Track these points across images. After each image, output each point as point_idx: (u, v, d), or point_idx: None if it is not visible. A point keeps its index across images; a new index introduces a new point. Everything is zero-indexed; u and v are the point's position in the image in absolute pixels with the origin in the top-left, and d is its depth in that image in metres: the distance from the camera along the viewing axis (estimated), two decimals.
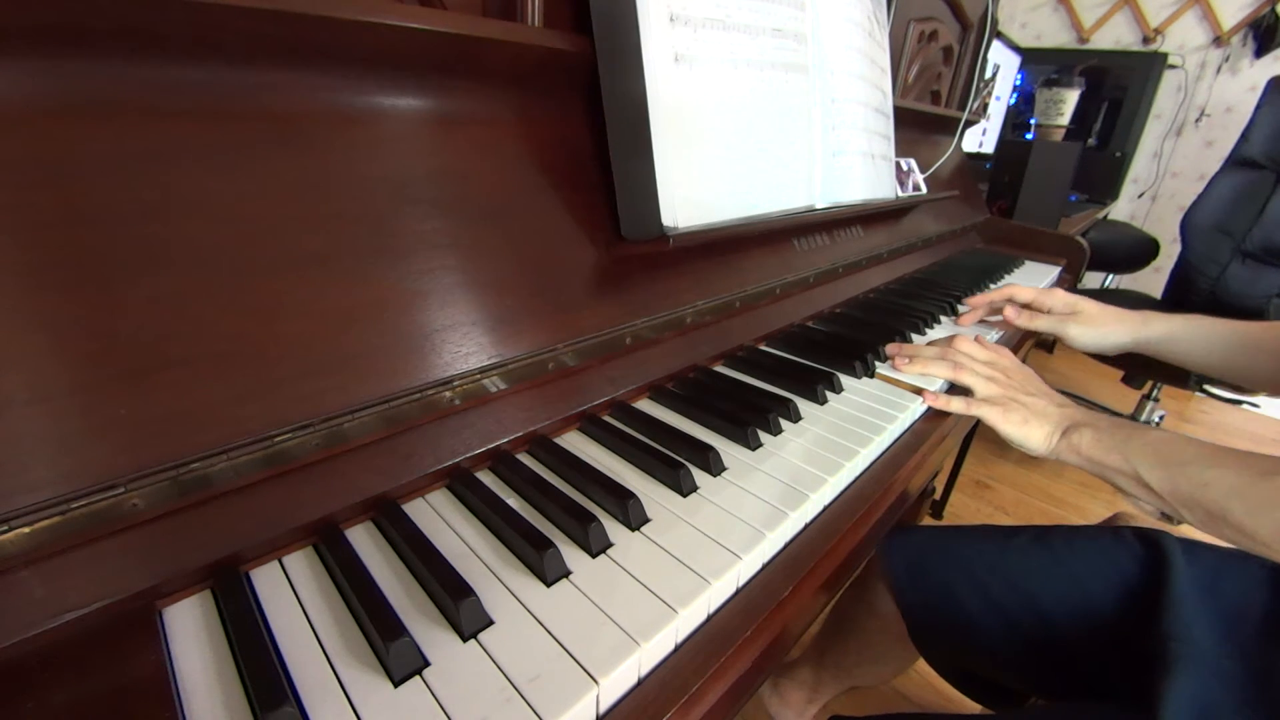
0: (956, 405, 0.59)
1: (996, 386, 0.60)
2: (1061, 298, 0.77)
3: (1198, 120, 2.58)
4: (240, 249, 0.34)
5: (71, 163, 0.30)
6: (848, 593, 0.80)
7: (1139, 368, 1.69)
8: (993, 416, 0.58)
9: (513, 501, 0.40)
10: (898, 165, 0.94)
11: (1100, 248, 1.88)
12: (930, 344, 0.67)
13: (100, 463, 0.29)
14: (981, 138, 2.01)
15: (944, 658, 0.71)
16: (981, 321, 0.84)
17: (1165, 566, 0.54)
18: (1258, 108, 1.66)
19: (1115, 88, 2.51)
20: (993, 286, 1.03)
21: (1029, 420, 0.57)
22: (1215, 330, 0.68)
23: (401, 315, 0.40)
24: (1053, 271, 1.20)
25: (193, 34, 0.33)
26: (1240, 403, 2.33)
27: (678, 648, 0.32)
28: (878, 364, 0.65)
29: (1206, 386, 1.61)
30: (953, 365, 0.62)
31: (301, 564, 0.34)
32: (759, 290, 0.69)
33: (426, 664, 0.29)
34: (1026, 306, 0.79)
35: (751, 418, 0.50)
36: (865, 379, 0.62)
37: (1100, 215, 2.23)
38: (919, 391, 0.61)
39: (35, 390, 0.28)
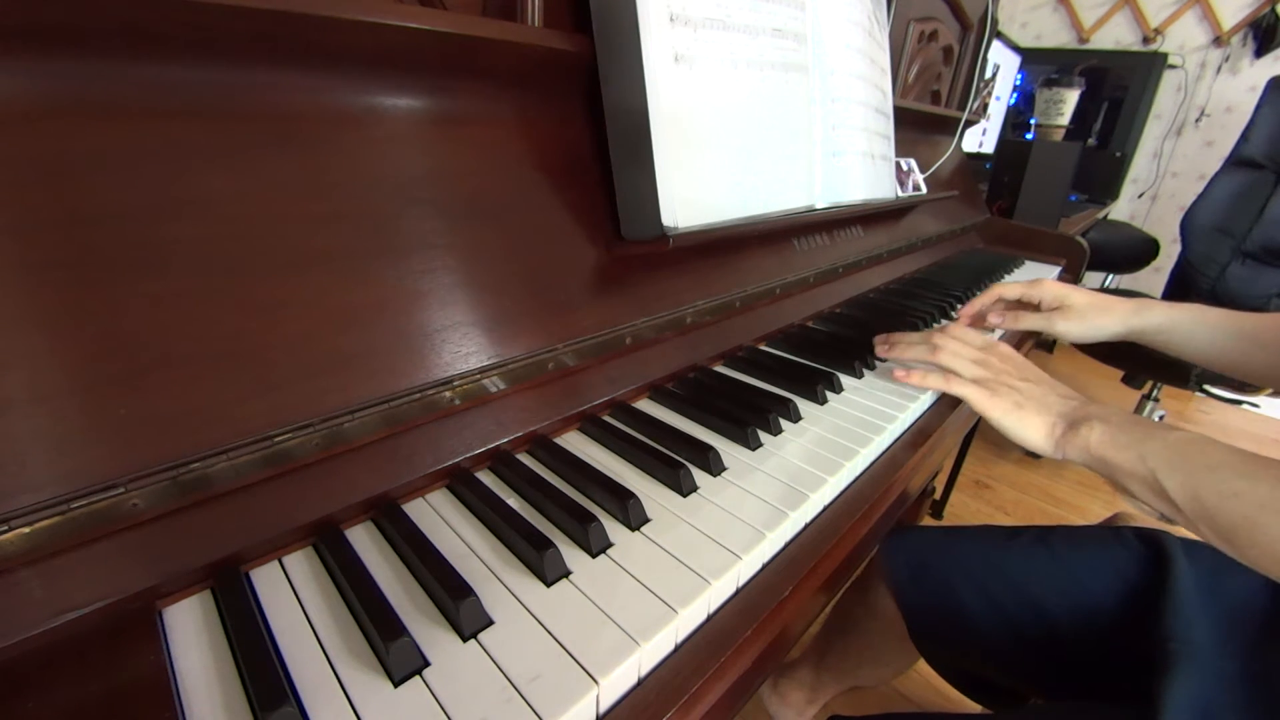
0: (933, 380, 0.56)
1: (983, 370, 0.56)
2: (1050, 290, 0.71)
3: (1198, 120, 2.59)
4: (240, 249, 0.34)
5: (71, 163, 0.30)
6: (848, 593, 0.80)
7: (1139, 368, 1.69)
8: (977, 399, 0.53)
9: (513, 501, 0.40)
10: (898, 165, 0.94)
11: (1100, 248, 1.89)
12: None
13: (100, 463, 0.29)
14: (981, 138, 2.01)
15: (944, 658, 0.71)
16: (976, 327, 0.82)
17: (1166, 566, 0.54)
18: (1258, 108, 1.67)
19: (1115, 88, 2.51)
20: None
21: (1023, 406, 0.51)
22: (1213, 320, 0.65)
23: (402, 315, 0.40)
24: (1053, 272, 1.20)
25: (193, 34, 0.33)
26: (1240, 403, 2.32)
27: (678, 648, 0.32)
28: (877, 362, 0.65)
29: (1206, 386, 1.60)
30: (931, 348, 0.58)
31: (301, 564, 0.34)
32: (759, 290, 0.69)
33: (426, 664, 0.29)
34: (1016, 303, 0.74)
35: (751, 418, 0.50)
36: (865, 379, 0.62)
37: (1100, 215, 2.23)
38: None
39: (35, 390, 0.28)
